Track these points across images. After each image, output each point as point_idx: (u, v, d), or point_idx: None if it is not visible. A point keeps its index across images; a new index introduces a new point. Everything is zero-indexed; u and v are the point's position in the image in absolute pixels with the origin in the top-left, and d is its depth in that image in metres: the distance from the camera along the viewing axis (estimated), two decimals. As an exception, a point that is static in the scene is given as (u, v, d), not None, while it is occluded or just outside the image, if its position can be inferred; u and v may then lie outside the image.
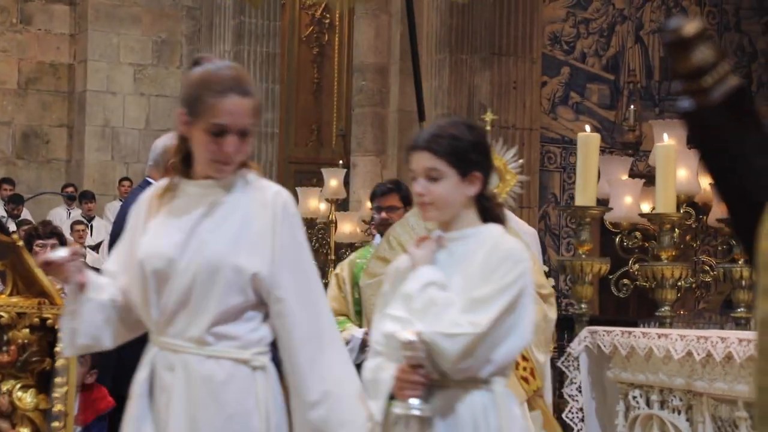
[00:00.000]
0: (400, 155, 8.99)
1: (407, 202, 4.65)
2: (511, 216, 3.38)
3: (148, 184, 4.37)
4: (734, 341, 3.36)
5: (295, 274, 2.40)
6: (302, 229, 2.53)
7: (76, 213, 11.76)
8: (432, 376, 2.47)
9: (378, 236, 4.66)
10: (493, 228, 2.59)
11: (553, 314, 3.68)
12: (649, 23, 12.61)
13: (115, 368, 4.29)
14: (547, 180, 11.75)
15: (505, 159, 4.51)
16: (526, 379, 3.60)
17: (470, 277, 2.49)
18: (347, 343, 4.22)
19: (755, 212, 0.91)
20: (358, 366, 4.15)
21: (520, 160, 4.61)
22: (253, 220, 2.40)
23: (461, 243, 2.57)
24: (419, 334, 2.44)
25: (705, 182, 7.53)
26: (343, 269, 4.73)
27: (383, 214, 4.69)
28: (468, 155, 2.56)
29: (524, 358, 3.57)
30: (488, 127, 3.03)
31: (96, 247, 11.43)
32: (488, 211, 2.62)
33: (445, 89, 9.20)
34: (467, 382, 2.48)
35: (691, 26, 0.99)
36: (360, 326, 4.52)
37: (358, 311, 4.57)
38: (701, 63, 0.97)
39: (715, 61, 0.97)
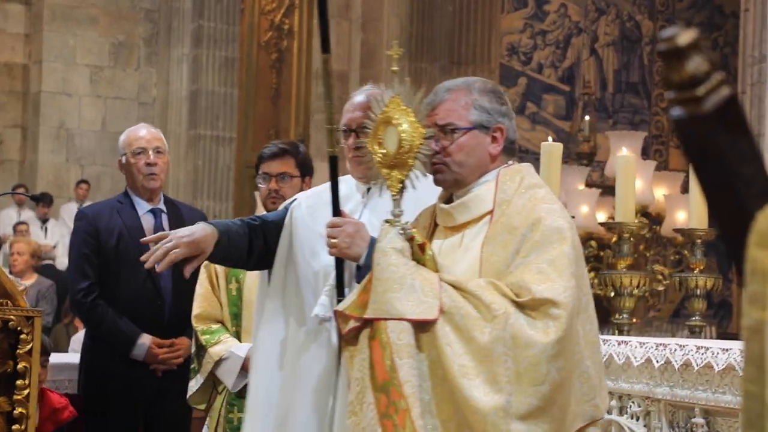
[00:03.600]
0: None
1: (306, 171, 3.78)
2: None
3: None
4: (692, 349, 3.42)
5: None
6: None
7: (28, 215, 11.62)
8: None
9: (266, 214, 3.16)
10: None
11: (540, 335, 2.34)
12: (604, 36, 12.78)
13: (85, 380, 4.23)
14: (503, 189, 11.79)
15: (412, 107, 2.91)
16: None
17: None
18: (219, 361, 3.69)
19: (744, 221, 0.94)
20: (240, 394, 3.78)
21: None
22: None
23: None
24: None
25: (659, 193, 7.66)
26: None
27: (272, 184, 3.72)
28: None
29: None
30: (394, 68, 2.58)
31: (51, 249, 11.31)
32: None
33: (405, 97, 9.25)
34: None
35: (685, 35, 1.01)
36: (238, 335, 3.79)
37: (235, 313, 3.81)
38: (695, 72, 1.00)
39: (709, 71, 1.00)
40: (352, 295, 2.51)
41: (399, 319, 2.37)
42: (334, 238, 2.60)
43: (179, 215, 4.29)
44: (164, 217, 4.27)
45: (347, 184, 2.93)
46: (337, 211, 2.68)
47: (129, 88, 12.46)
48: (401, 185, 2.52)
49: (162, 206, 4.30)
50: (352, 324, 2.45)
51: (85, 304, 4.15)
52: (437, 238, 2.62)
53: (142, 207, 4.26)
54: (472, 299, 2.38)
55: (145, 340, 4.10)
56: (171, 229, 4.23)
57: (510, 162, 2.62)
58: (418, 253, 2.46)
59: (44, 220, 11.65)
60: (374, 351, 2.39)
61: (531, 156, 11.92)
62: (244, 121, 12.47)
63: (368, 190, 2.90)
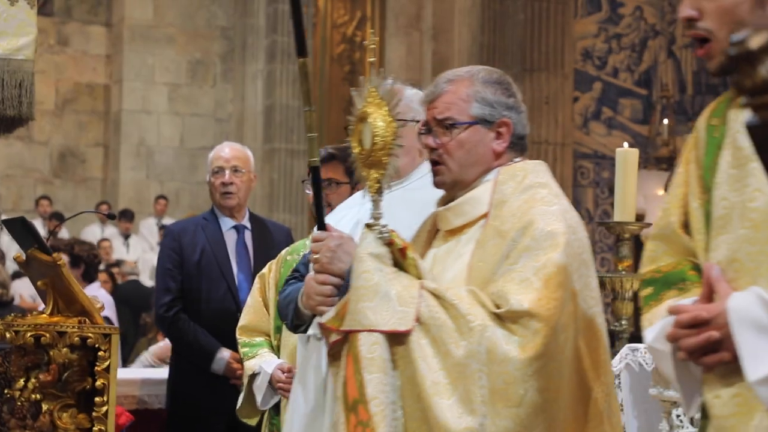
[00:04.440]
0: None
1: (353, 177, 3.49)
2: None
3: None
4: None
5: None
6: None
7: (111, 231, 11.85)
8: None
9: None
10: None
11: (516, 350, 2.12)
12: (682, 38, 12.54)
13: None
14: (580, 195, 11.69)
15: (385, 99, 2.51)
16: None
17: None
18: (253, 375, 3.59)
19: None
20: (277, 408, 3.65)
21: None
22: None
23: None
24: None
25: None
26: (270, 268, 3.72)
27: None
28: None
29: None
30: (371, 58, 2.38)
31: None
32: None
33: (478, 106, 9.21)
34: None
35: (757, 39, 0.97)
36: (278, 349, 3.67)
37: (278, 326, 3.64)
38: (767, 77, 0.95)
39: None
40: (336, 306, 2.27)
41: (370, 331, 2.15)
42: (316, 253, 2.36)
43: (265, 232, 4.35)
44: (247, 234, 4.33)
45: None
46: (321, 224, 2.44)
47: (206, 104, 12.65)
48: (379, 185, 2.29)
49: (246, 223, 4.35)
50: (334, 337, 2.24)
51: (167, 318, 4.24)
52: (437, 243, 2.38)
53: (226, 224, 4.33)
54: (450, 309, 2.14)
55: (225, 354, 4.15)
56: (254, 245, 4.34)
57: (518, 159, 2.36)
58: (400, 259, 2.23)
59: (126, 236, 11.86)
60: (348, 366, 2.17)
61: (608, 161, 11.76)
62: (319, 133, 12.53)
63: None
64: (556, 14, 10.26)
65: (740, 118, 1.87)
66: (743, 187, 1.86)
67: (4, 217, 4.36)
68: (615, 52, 12.15)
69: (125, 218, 11.85)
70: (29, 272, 3.61)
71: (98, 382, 3.25)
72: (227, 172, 4.27)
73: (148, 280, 10.97)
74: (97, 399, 3.25)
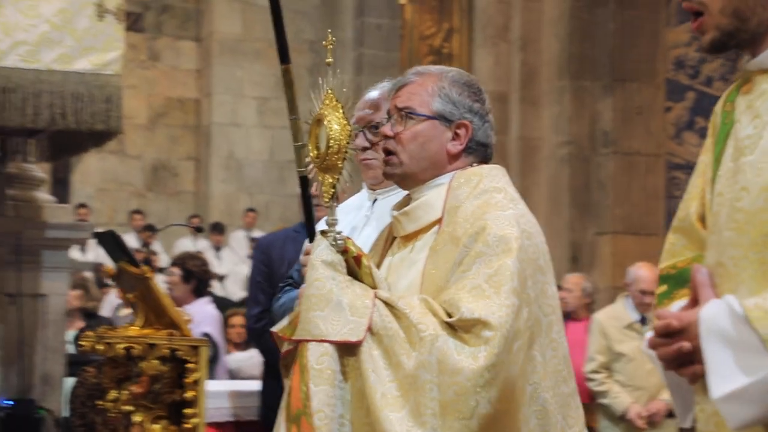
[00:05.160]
0: (523, 181, 8.88)
1: None
2: None
3: None
4: None
5: None
6: None
7: (203, 244, 12.02)
8: None
9: None
10: None
11: (468, 360, 2.04)
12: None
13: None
14: (674, 206, 11.43)
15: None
16: None
17: None
18: None
19: None
20: None
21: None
22: None
23: None
24: None
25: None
26: None
27: None
28: None
29: None
30: (329, 59, 2.27)
31: (221, 277, 11.65)
32: None
33: (567, 116, 9.09)
34: None
35: None
36: None
37: None
38: None
39: None
40: (290, 315, 2.21)
41: (320, 341, 2.07)
42: (306, 266, 2.28)
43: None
44: None
45: (361, 192, 2.71)
46: (312, 235, 2.38)
47: (294, 117, 12.76)
48: (333, 191, 2.19)
49: None
50: (286, 347, 2.16)
51: (256, 330, 4.30)
52: (392, 251, 2.30)
53: None
54: (402, 319, 2.06)
55: None
56: None
57: (474, 165, 2.28)
58: (354, 267, 2.16)
59: (218, 249, 12.01)
60: (294, 376, 2.08)
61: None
62: (406, 146, 12.55)
63: (374, 201, 2.68)
64: (647, 23, 10.07)
65: (742, 105, 1.74)
66: (734, 184, 1.71)
67: (97, 230, 4.45)
68: (708, 60, 11.88)
69: (216, 231, 12.01)
70: (119, 284, 3.66)
71: (188, 394, 3.27)
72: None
73: (239, 292, 11.09)
74: (187, 411, 3.27)
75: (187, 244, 12.07)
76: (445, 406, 2.00)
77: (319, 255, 2.15)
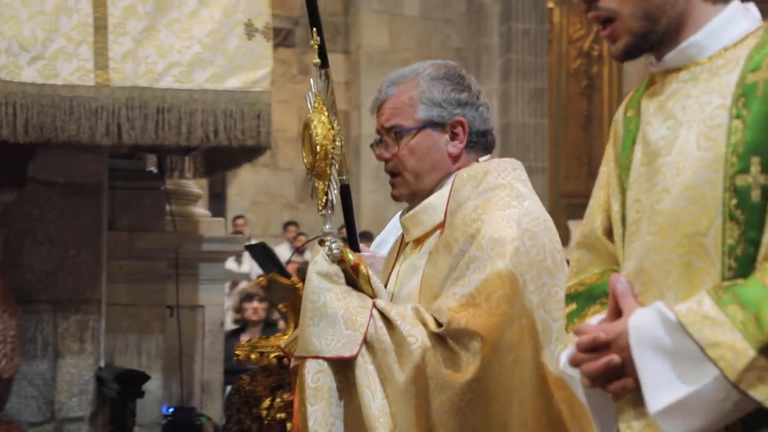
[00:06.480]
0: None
1: None
2: None
3: None
4: None
5: None
6: None
7: (354, 254, 12.19)
8: None
9: None
10: None
11: (455, 373, 1.96)
12: None
13: None
14: None
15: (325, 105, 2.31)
16: None
17: None
18: None
19: None
20: None
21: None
22: None
23: None
24: None
25: None
26: None
27: None
28: None
29: None
30: (315, 60, 2.21)
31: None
32: None
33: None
34: None
35: None
36: None
37: None
38: None
39: None
40: (298, 329, 2.14)
41: (315, 358, 2.00)
42: None
43: None
44: None
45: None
46: (354, 244, 2.29)
47: (442, 126, 12.82)
48: (326, 198, 2.12)
49: None
50: (294, 363, 2.10)
51: None
52: (402, 257, 2.21)
53: None
54: (394, 331, 1.96)
55: None
56: None
57: (483, 159, 2.15)
58: (353, 276, 2.07)
59: (367, 258, 12.17)
60: (296, 396, 2.03)
61: None
62: (556, 150, 12.39)
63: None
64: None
65: (651, 108, 1.64)
66: (652, 187, 1.61)
67: (249, 243, 4.56)
68: None
69: (364, 240, 12.16)
70: (270, 295, 3.74)
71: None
72: None
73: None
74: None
75: (339, 253, 12.27)
76: (437, 421, 1.91)
77: (315, 266, 2.08)
